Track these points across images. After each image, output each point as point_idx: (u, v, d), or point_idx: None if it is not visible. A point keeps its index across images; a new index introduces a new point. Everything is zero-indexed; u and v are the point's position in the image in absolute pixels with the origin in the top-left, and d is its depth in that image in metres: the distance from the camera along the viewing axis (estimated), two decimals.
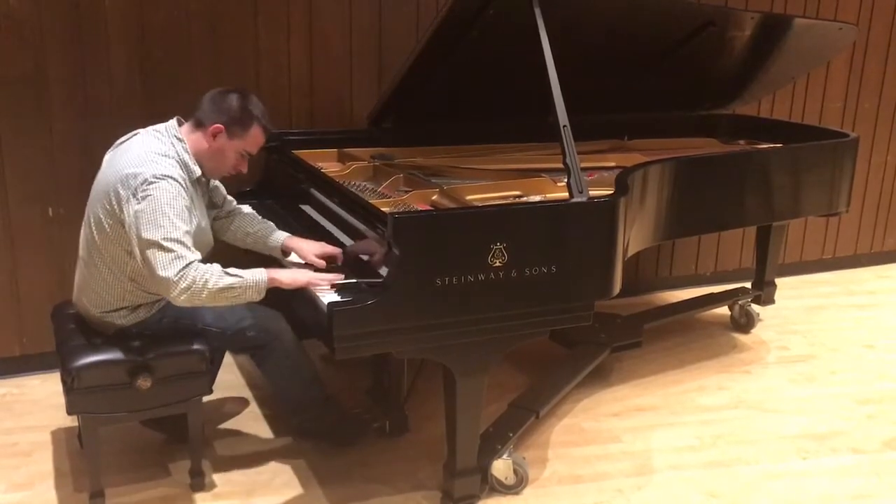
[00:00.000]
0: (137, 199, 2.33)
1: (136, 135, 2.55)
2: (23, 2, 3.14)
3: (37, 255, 3.37)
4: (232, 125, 2.48)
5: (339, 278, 2.44)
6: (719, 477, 2.88)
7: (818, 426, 3.24)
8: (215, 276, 2.31)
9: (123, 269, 2.50)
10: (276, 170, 3.37)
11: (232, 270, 2.36)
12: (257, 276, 2.37)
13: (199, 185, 2.58)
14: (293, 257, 2.70)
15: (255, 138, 2.53)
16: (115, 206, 2.40)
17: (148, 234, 2.31)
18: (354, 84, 3.71)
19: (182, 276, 2.28)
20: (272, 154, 3.37)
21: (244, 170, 2.59)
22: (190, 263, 2.31)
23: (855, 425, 3.25)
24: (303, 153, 3.30)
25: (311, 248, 2.63)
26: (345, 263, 2.60)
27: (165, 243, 2.30)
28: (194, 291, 2.29)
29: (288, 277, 2.43)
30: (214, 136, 2.49)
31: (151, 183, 2.34)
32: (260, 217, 2.85)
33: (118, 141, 2.58)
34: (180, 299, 2.31)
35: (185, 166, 2.48)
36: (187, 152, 2.50)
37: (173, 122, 2.54)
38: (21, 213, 3.32)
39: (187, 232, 2.36)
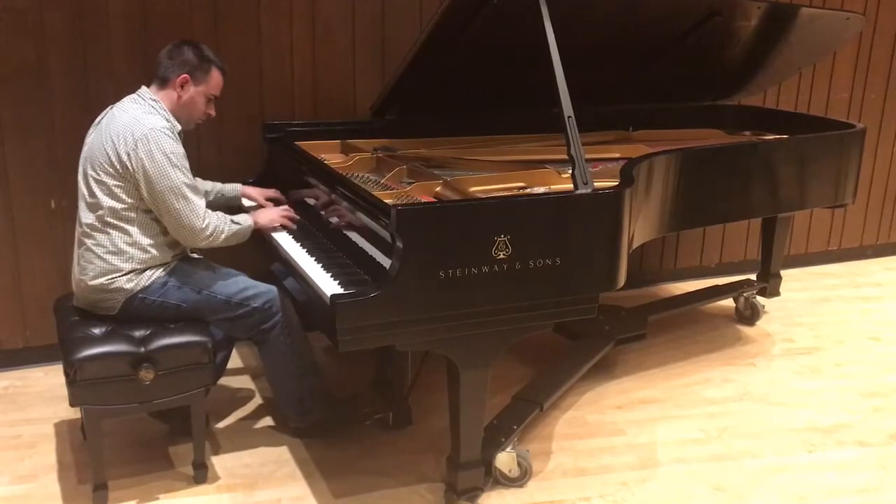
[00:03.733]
0: (141, 154, 2.53)
1: (112, 108, 2.70)
2: None
3: (39, 247, 3.37)
4: (195, 72, 2.69)
5: (295, 217, 2.94)
6: (724, 470, 2.87)
7: (824, 419, 3.23)
8: (228, 224, 2.70)
9: (134, 226, 2.61)
10: (279, 161, 3.36)
11: (234, 218, 2.75)
12: (247, 220, 2.79)
13: (180, 139, 2.71)
14: (246, 202, 3.16)
15: (216, 80, 2.75)
16: (120, 167, 2.56)
17: (161, 185, 2.54)
18: (357, 75, 3.69)
19: (207, 224, 2.62)
20: (275, 145, 3.37)
21: (213, 113, 2.81)
22: (206, 210, 2.64)
23: (861, 418, 3.24)
24: (306, 144, 3.28)
25: (259, 192, 3.14)
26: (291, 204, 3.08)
27: (181, 191, 2.57)
28: (214, 237, 2.65)
29: (266, 219, 2.88)
30: (182, 86, 2.68)
31: (149, 136, 2.54)
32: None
33: (97, 120, 2.72)
34: (202, 244, 2.67)
35: (168, 121, 2.66)
36: (165, 109, 2.68)
37: (143, 88, 2.71)
38: (23, 205, 3.32)
39: (192, 178, 2.62)
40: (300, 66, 3.60)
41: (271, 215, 2.91)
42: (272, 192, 3.16)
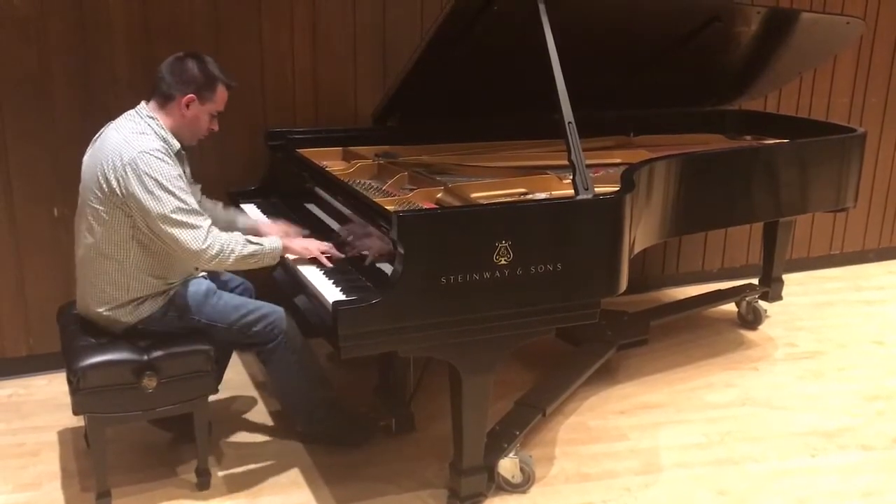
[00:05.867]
0: (130, 180, 2.42)
1: (108, 126, 2.62)
2: (26, 1, 3.14)
3: (42, 255, 3.37)
4: (201, 91, 2.57)
5: (340, 256, 2.67)
6: (727, 474, 2.87)
7: (827, 423, 3.22)
8: (240, 244, 2.52)
9: (128, 257, 2.53)
10: (280, 169, 3.37)
11: (252, 238, 2.57)
12: (274, 243, 2.60)
13: (180, 159, 2.61)
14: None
15: (221, 97, 2.63)
16: (109, 192, 2.47)
17: (154, 211, 2.43)
18: (359, 82, 3.70)
19: (209, 245, 2.46)
20: (277, 153, 3.37)
21: (216, 128, 2.69)
22: (209, 231, 2.47)
23: (864, 422, 3.24)
24: (307, 152, 3.29)
25: (278, 228, 2.88)
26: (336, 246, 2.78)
27: (174, 215, 2.43)
28: (222, 259, 2.48)
29: (300, 246, 2.67)
30: (188, 105, 2.56)
31: (137, 160, 2.43)
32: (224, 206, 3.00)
33: (94, 138, 2.64)
34: (209, 266, 2.52)
35: (164, 141, 2.54)
36: (163, 128, 2.56)
37: (142, 104, 2.61)
38: (26, 213, 3.33)
39: (188, 197, 2.48)
40: (301, 74, 3.61)
41: (307, 244, 2.68)
42: (292, 229, 2.90)
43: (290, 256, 2.71)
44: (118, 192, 2.45)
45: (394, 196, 2.83)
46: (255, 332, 2.68)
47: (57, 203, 3.34)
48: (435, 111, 3.39)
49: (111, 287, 2.56)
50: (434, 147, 3.47)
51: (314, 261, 2.67)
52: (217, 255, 2.47)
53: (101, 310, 2.58)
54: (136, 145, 2.46)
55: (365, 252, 2.58)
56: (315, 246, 2.68)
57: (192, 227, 2.46)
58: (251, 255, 2.53)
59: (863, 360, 3.80)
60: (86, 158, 2.61)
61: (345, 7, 3.60)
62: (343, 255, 2.67)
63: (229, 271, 2.79)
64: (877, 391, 3.49)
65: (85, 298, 2.62)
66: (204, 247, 2.46)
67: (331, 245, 2.70)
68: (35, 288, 3.40)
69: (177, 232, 2.45)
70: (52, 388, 3.36)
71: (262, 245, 2.56)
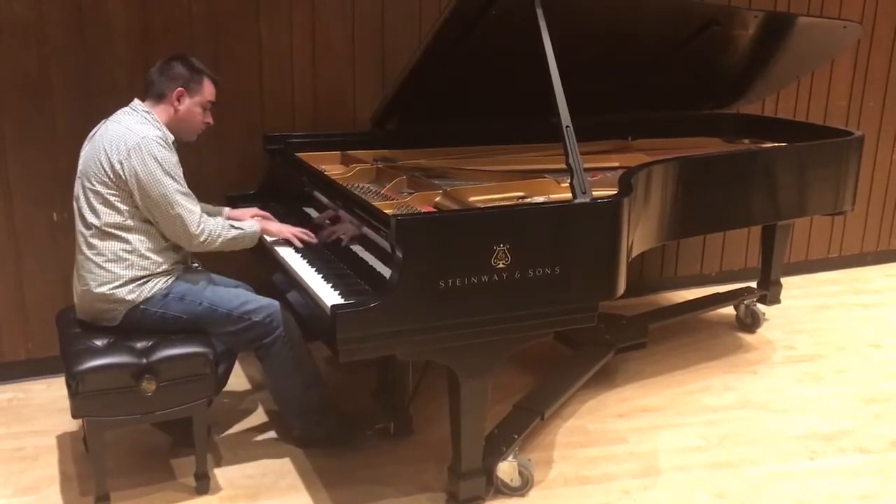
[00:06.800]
0: (133, 162, 2.56)
1: (106, 121, 2.74)
2: (26, 5, 3.15)
3: (41, 259, 3.38)
4: (188, 84, 2.74)
5: (313, 238, 2.88)
6: (726, 477, 2.87)
7: (825, 426, 3.23)
8: (225, 228, 2.73)
9: (132, 233, 2.63)
10: (279, 172, 3.38)
11: (234, 223, 2.79)
12: (253, 226, 2.82)
13: (174, 151, 2.73)
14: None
15: (208, 88, 2.79)
16: (113, 175, 2.59)
17: (154, 192, 2.57)
18: (357, 86, 3.71)
19: (201, 230, 2.65)
20: (276, 156, 3.38)
21: (211, 121, 2.85)
22: (201, 216, 2.65)
23: (862, 425, 3.24)
24: (306, 155, 3.30)
25: (249, 213, 3.04)
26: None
27: (174, 198, 2.59)
28: (209, 242, 2.68)
29: (276, 228, 2.92)
30: (179, 99, 2.73)
31: (141, 144, 2.58)
32: None
33: (91, 134, 2.75)
34: (197, 248, 2.69)
35: (161, 131, 2.69)
36: (158, 121, 2.72)
37: (136, 100, 2.75)
38: (26, 217, 3.33)
39: (185, 186, 2.65)
40: (300, 78, 3.62)
41: (281, 227, 2.92)
42: (263, 213, 3.04)
43: (284, 257, 2.78)
44: (122, 174, 2.57)
45: (392, 200, 2.84)
46: (255, 321, 2.72)
47: (56, 207, 3.34)
48: (433, 115, 3.39)
49: (115, 265, 2.62)
50: (433, 151, 3.48)
51: (312, 264, 2.70)
52: (206, 239, 2.66)
53: (103, 289, 2.62)
54: (138, 132, 2.60)
55: (341, 236, 2.71)
56: (288, 229, 2.90)
57: (189, 210, 2.62)
58: (234, 238, 2.73)
59: (861, 363, 3.80)
60: (84, 151, 2.73)
61: (344, 10, 3.61)
62: (316, 241, 2.87)
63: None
64: (875, 394, 3.50)
65: (86, 283, 2.65)
66: (197, 231, 2.63)
67: (304, 230, 2.89)
68: (34, 292, 3.40)
69: (175, 213, 2.60)
70: (52, 391, 3.36)
71: (243, 229, 2.77)
